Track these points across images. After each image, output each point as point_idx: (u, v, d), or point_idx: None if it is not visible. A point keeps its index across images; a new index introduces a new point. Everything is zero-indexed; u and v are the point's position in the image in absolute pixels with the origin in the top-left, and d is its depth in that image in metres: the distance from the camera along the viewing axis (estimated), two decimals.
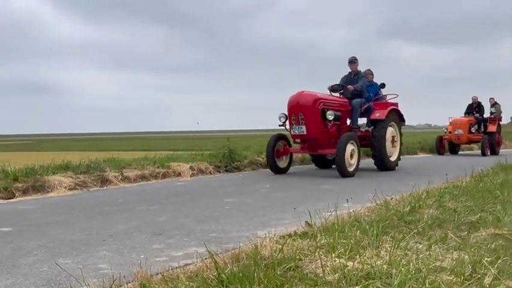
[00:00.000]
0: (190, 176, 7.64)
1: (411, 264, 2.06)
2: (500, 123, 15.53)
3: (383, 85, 9.62)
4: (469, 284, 1.89)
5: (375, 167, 8.79)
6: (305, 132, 7.92)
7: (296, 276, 2.01)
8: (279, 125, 8.35)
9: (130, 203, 5.03)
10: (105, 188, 6.42)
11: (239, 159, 8.76)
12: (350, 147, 7.61)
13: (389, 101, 9.63)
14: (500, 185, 4.79)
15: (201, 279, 2.05)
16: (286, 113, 8.11)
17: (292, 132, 8.19)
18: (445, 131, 15.20)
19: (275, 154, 8.20)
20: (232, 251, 2.57)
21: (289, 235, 2.84)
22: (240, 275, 1.96)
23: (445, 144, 15.09)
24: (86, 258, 2.82)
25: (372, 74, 9.67)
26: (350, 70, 9.04)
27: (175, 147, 23.01)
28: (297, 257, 2.27)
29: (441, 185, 5.10)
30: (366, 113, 8.81)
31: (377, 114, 8.75)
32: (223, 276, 1.98)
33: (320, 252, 2.26)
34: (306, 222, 3.10)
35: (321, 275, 2.00)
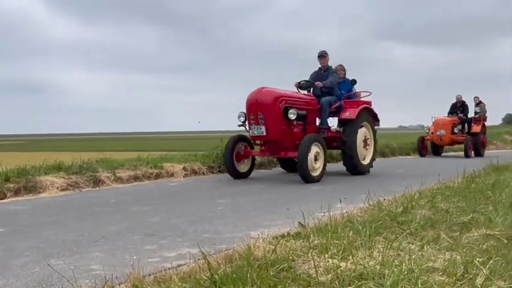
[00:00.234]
0: (183, 176, 7.62)
1: (403, 264, 2.07)
2: (485, 123, 14.96)
3: (354, 81, 8.67)
4: (461, 284, 1.90)
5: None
6: (265, 133, 7.17)
7: (289, 276, 2.01)
8: (238, 125, 7.58)
9: (123, 204, 5.01)
10: (97, 188, 6.38)
11: None
12: (314, 150, 6.91)
13: (361, 99, 8.76)
14: (492, 186, 4.82)
15: (193, 280, 2.05)
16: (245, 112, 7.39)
17: (251, 133, 7.42)
18: (427, 131, 14.42)
19: (235, 157, 7.49)
20: (226, 252, 2.57)
21: (283, 236, 2.84)
22: (233, 275, 1.96)
23: (427, 145, 14.40)
24: (78, 259, 2.81)
25: (344, 70, 8.76)
26: (319, 65, 8.39)
27: (170, 147, 22.99)
28: (290, 257, 2.27)
29: (434, 185, 5.13)
30: (337, 112, 8.16)
31: (347, 114, 8.00)
32: (216, 277, 1.98)
33: (313, 253, 2.27)
34: (299, 222, 3.10)
35: (314, 275, 2.00)
